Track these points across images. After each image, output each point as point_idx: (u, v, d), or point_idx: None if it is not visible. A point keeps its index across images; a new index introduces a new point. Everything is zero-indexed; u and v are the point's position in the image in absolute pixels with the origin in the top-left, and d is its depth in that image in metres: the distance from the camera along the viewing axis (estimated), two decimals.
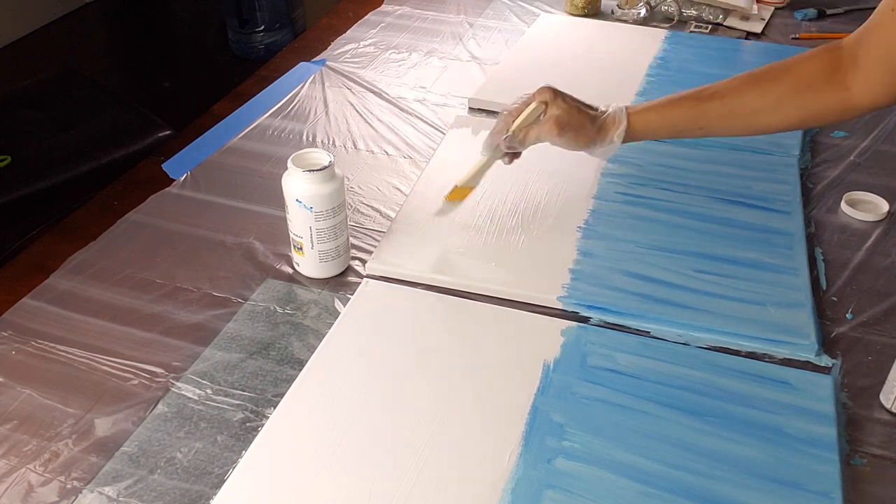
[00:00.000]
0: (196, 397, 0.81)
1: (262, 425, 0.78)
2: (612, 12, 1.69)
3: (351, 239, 1.01)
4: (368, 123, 1.29)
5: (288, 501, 0.71)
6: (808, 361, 0.86)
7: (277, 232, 1.03)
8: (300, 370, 0.84)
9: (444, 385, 0.82)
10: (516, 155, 1.02)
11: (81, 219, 1.08)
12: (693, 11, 1.66)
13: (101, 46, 3.64)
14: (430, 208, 1.07)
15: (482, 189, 1.11)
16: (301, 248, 0.95)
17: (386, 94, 1.38)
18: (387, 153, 1.22)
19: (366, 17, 1.67)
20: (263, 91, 1.39)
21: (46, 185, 1.65)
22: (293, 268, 0.98)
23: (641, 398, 0.81)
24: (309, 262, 0.96)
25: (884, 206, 1.10)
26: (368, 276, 0.97)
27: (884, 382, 0.82)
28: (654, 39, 1.56)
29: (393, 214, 1.07)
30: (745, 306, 0.92)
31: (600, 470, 0.73)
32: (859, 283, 0.98)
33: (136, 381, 0.83)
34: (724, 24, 1.65)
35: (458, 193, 1.02)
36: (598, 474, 0.73)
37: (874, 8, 0.90)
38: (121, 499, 0.71)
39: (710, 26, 1.64)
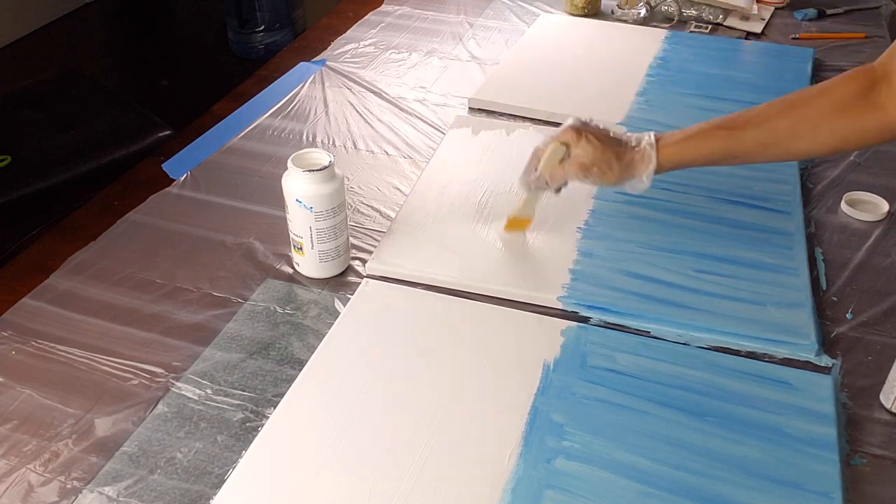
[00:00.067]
0: (196, 397, 0.81)
1: (262, 425, 0.78)
2: (612, 12, 1.69)
3: (351, 239, 1.01)
4: (368, 123, 1.29)
5: (288, 501, 0.71)
6: (808, 361, 0.86)
7: (277, 232, 1.03)
8: (300, 370, 0.84)
9: (444, 385, 0.82)
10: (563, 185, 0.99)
11: (81, 219, 1.08)
12: (693, 11, 1.66)
13: (101, 46, 3.64)
14: (430, 208, 1.07)
15: (482, 189, 1.12)
16: (301, 248, 0.95)
17: (386, 94, 1.38)
18: (387, 153, 1.22)
19: (366, 17, 1.67)
20: (263, 91, 1.39)
21: (46, 185, 1.65)
22: (293, 268, 0.98)
23: (641, 398, 0.81)
24: (309, 262, 0.96)
25: (884, 206, 1.10)
26: (368, 276, 0.97)
27: (884, 382, 0.82)
28: (654, 39, 1.56)
29: (393, 214, 1.07)
30: (745, 306, 0.92)
31: (600, 470, 0.73)
32: (859, 283, 0.98)
33: (136, 381, 0.83)
34: (724, 24, 1.65)
35: (516, 224, 1.02)
36: (598, 474, 0.73)
37: (874, 8, 0.90)
38: (121, 499, 0.71)
39: (710, 26, 1.64)
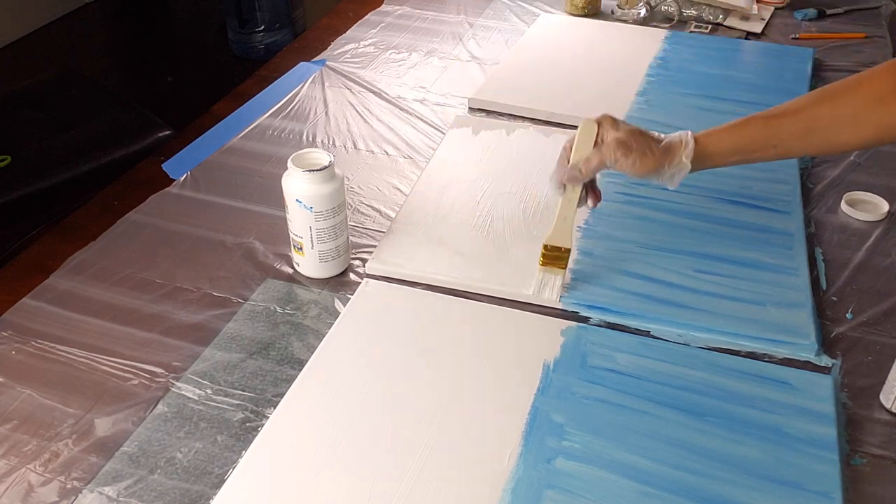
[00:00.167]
0: (196, 397, 0.81)
1: (262, 425, 0.78)
2: (612, 12, 1.69)
3: (351, 239, 1.01)
4: (368, 123, 1.29)
5: (288, 501, 0.71)
6: (808, 361, 0.86)
7: (277, 232, 1.03)
8: (300, 370, 0.84)
9: (445, 385, 0.82)
10: (597, 196, 0.94)
11: (81, 219, 1.08)
12: (693, 11, 1.66)
13: (101, 46, 3.64)
14: (430, 208, 1.07)
15: (482, 189, 1.12)
16: (301, 248, 0.95)
17: (386, 94, 1.38)
18: (387, 153, 1.22)
19: (366, 17, 1.67)
20: (263, 91, 1.39)
21: (46, 185, 1.65)
22: (293, 268, 0.98)
23: (641, 398, 0.81)
24: (309, 262, 0.96)
25: (884, 206, 1.10)
26: (368, 276, 0.97)
27: (884, 382, 0.82)
28: (654, 39, 1.56)
29: (393, 214, 1.07)
30: (745, 306, 0.92)
31: (600, 470, 0.73)
32: (859, 283, 0.98)
33: (136, 381, 0.83)
34: (724, 24, 1.65)
35: (553, 259, 0.92)
36: (598, 474, 0.73)
37: (874, 8, 0.89)
38: (121, 499, 0.71)
39: (710, 26, 1.64)
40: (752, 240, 1.03)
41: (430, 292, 0.95)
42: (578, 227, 1.04)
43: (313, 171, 0.90)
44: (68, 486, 0.72)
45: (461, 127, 1.27)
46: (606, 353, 0.86)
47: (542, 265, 0.92)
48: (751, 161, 0.93)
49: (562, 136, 1.10)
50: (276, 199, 1.00)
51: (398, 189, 1.13)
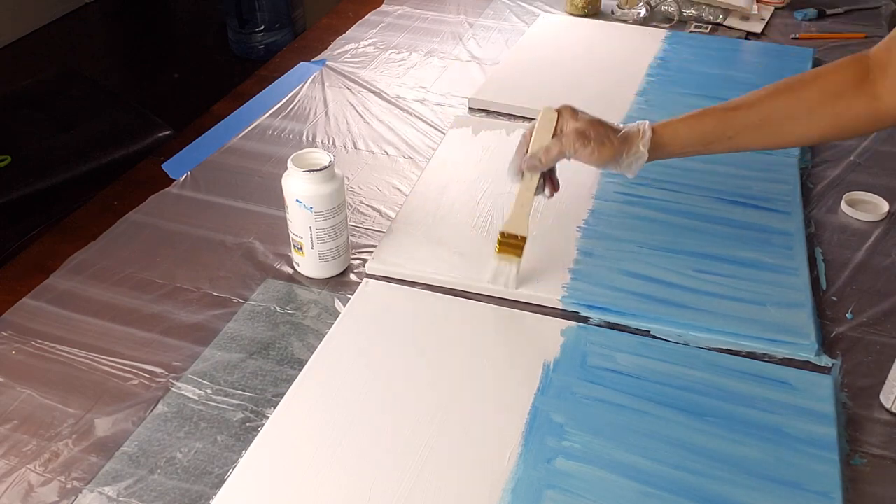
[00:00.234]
0: (196, 397, 0.81)
1: (262, 425, 0.78)
2: (612, 12, 1.69)
3: (351, 239, 1.01)
4: (368, 123, 1.29)
5: (288, 501, 0.71)
6: (808, 361, 0.86)
7: (277, 232, 1.03)
8: (300, 370, 0.84)
9: (445, 385, 0.82)
10: (554, 186, 0.96)
11: (81, 219, 1.08)
12: (693, 11, 1.66)
13: (101, 46, 3.64)
14: (430, 208, 1.07)
15: (482, 189, 1.12)
16: (301, 248, 0.95)
17: (386, 94, 1.38)
18: (387, 153, 1.22)
19: (366, 17, 1.67)
20: (263, 91, 1.39)
21: (46, 185, 1.65)
22: (293, 268, 0.98)
23: (641, 398, 0.81)
24: (309, 262, 0.96)
25: (884, 206, 1.10)
26: (368, 276, 0.97)
27: (884, 382, 0.82)
28: (654, 39, 1.56)
29: (393, 214, 1.07)
30: (745, 306, 0.92)
31: (600, 470, 0.73)
32: (859, 283, 0.98)
33: (136, 381, 0.83)
34: (724, 24, 1.65)
35: (509, 246, 0.92)
36: (598, 474, 0.73)
37: (874, 8, 0.90)
38: (121, 499, 0.71)
39: (710, 26, 1.64)
40: (751, 240, 1.03)
41: (430, 292, 0.95)
42: (578, 226, 1.04)
43: (313, 171, 0.90)
44: (68, 486, 0.72)
45: (461, 127, 1.27)
46: (606, 353, 0.86)
47: (497, 252, 0.93)
48: (708, 152, 0.95)
49: None
50: (276, 199, 1.00)
51: (398, 189, 1.13)
